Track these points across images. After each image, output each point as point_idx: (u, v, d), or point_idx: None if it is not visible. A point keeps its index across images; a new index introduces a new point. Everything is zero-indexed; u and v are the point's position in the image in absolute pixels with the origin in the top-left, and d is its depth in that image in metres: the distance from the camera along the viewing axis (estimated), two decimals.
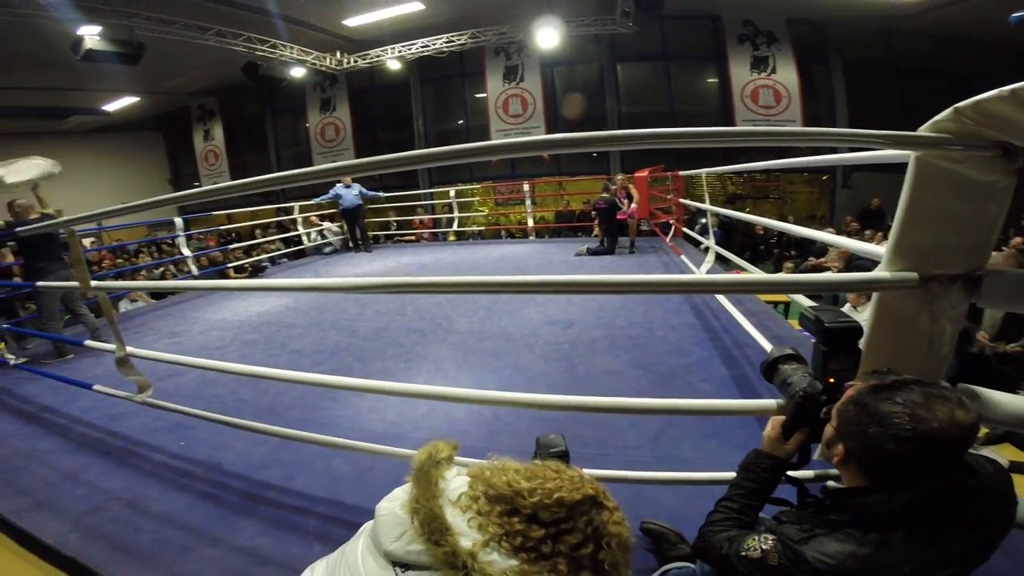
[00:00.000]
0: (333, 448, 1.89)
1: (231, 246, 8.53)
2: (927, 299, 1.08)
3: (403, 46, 10.75)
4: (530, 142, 1.12)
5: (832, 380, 0.97)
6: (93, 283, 2.19)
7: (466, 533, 0.68)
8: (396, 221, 10.70)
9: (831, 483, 0.88)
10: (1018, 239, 6.88)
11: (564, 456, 0.99)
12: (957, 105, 0.93)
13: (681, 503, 1.55)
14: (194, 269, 7.04)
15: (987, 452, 2.99)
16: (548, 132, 11.58)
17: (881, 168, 10.37)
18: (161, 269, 8.18)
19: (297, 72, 11.19)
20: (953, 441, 0.73)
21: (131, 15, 7.55)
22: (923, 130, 0.99)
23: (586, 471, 1.03)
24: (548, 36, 9.84)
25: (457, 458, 0.86)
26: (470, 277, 1.34)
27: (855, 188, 10.72)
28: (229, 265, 7.65)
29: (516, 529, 0.68)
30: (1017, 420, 1.09)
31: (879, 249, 1.31)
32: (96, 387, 2.58)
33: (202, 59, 9.97)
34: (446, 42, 10.54)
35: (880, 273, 1.09)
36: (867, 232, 8.23)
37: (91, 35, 7.45)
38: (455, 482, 0.76)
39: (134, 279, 7.62)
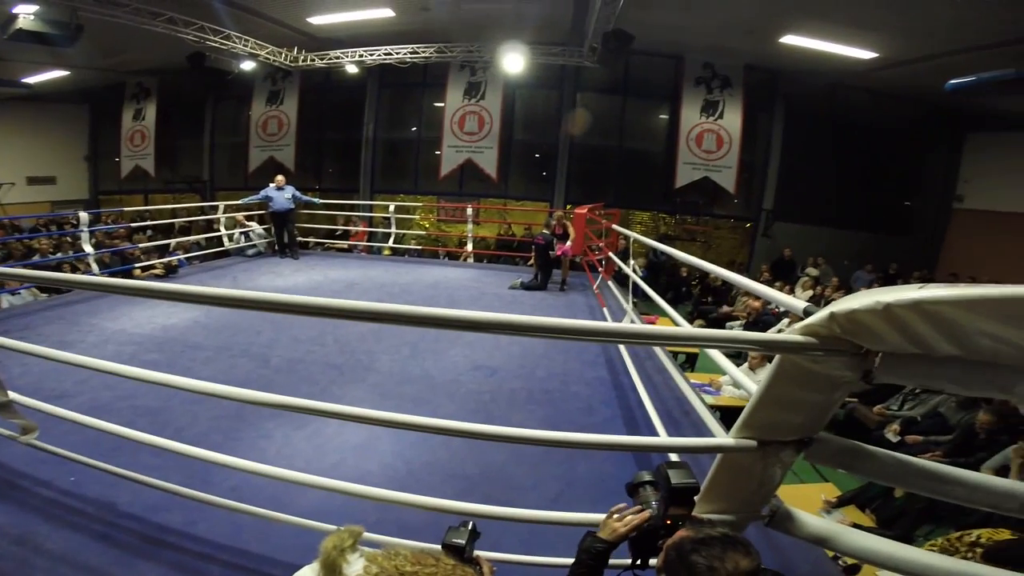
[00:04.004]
0: (228, 510, 1.89)
1: (140, 245, 7.40)
2: (762, 456, 1.31)
3: (366, 51, 10.40)
4: (507, 324, 1.23)
5: (669, 522, 1.17)
6: None
7: None
8: (329, 229, 10.32)
9: None
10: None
11: (458, 549, 1.15)
12: (833, 310, 0.97)
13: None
14: (95, 267, 6.31)
15: (836, 513, 3.49)
16: (500, 154, 11.65)
17: (797, 219, 11.32)
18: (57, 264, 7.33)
19: (247, 65, 10.60)
20: None
21: None
22: (796, 330, 1.07)
23: (484, 554, 1.24)
24: (515, 61, 9.79)
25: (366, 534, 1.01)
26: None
27: (773, 237, 11.51)
28: (136, 265, 6.77)
29: None
30: (815, 538, 1.36)
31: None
32: None
33: (150, 42, 9.20)
34: (410, 53, 10.26)
35: (725, 440, 1.33)
36: (777, 283, 8.93)
37: (25, 14, 6.69)
38: (355, 566, 0.91)
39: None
